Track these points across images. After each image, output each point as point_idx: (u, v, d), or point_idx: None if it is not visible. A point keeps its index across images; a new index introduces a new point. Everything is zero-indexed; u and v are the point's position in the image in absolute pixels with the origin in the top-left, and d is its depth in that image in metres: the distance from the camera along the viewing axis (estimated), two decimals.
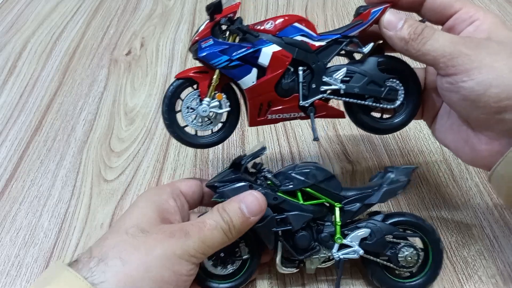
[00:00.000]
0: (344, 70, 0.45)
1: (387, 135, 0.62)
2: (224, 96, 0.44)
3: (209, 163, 0.60)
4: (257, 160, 0.45)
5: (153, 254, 0.37)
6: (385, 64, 0.45)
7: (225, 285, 0.44)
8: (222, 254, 0.44)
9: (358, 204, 0.45)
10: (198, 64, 0.44)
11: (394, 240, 0.45)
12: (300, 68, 0.44)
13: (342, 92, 0.45)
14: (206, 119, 0.44)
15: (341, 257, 0.44)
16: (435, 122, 0.47)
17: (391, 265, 0.44)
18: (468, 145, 0.42)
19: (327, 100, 0.46)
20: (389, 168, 0.47)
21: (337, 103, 0.47)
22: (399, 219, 0.45)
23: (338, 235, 0.44)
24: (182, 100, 0.43)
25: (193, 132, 0.45)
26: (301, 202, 0.44)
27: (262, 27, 0.43)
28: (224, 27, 0.43)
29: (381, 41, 0.46)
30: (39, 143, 0.64)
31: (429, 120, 0.49)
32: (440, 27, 0.44)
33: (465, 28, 0.41)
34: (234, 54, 0.42)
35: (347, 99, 0.45)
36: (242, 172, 0.43)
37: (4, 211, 0.55)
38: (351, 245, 0.44)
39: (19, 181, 0.59)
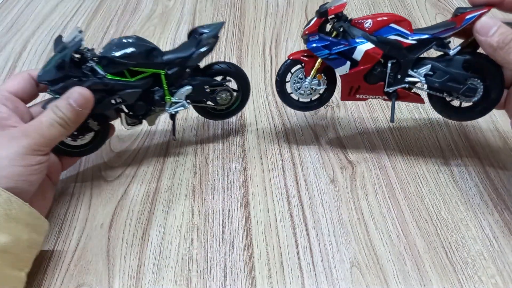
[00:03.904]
0: (429, 66, 0.51)
1: (386, 135, 0.63)
2: (324, 77, 0.55)
3: (209, 163, 0.60)
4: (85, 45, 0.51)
5: (1, 155, 0.43)
6: (471, 63, 0.50)
7: (84, 148, 0.55)
8: (75, 132, 0.52)
9: (179, 68, 0.54)
10: None
11: (213, 88, 0.57)
12: (389, 61, 0.51)
13: (423, 85, 0.52)
14: (308, 91, 0.56)
15: (173, 111, 0.56)
16: None
17: (215, 106, 0.59)
18: None
19: (410, 88, 0.54)
20: (200, 28, 0.55)
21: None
22: (215, 69, 0.57)
23: (167, 96, 0.55)
24: (292, 74, 0.56)
25: (296, 98, 0.58)
26: (130, 79, 0.52)
27: (361, 25, 0.51)
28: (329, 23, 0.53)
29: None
30: None
31: (510, 112, 0.51)
32: None
33: None
34: (334, 49, 0.52)
35: (428, 91, 0.52)
36: (68, 67, 0.48)
37: None
38: (179, 101, 0.55)
39: None
